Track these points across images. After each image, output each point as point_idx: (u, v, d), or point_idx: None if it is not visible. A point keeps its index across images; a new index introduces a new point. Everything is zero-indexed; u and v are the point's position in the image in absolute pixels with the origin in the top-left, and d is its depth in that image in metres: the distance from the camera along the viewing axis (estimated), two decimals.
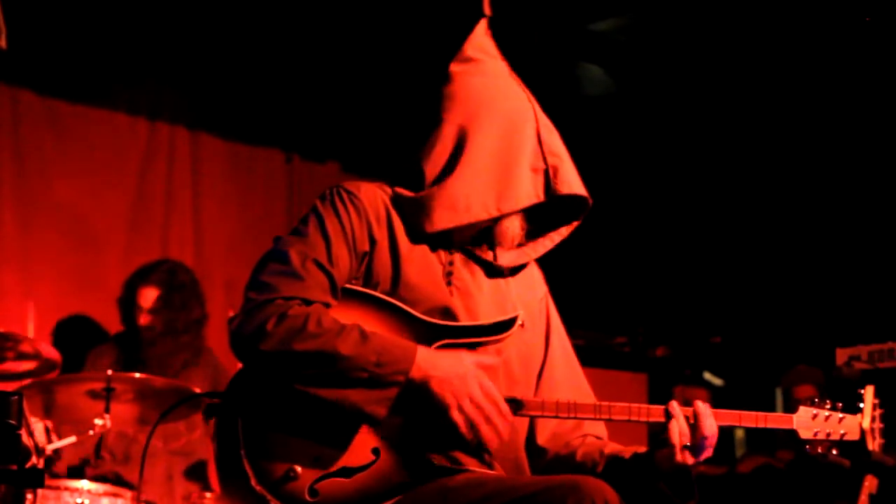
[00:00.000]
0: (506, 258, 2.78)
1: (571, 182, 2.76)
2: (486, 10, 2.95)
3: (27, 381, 4.53)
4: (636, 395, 7.61)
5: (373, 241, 2.66)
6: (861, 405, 2.75)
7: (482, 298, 2.71)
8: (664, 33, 6.27)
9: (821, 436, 2.70)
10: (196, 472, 5.33)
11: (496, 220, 2.73)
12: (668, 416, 2.60)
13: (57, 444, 4.39)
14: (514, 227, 2.77)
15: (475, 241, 2.76)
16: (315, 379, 2.47)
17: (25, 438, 3.87)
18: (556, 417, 2.66)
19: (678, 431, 2.58)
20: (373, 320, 2.58)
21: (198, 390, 4.71)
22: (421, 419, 2.51)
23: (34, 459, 4.06)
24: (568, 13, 6.08)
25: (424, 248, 2.70)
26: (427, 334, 2.59)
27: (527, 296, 2.83)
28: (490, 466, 2.61)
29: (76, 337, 5.81)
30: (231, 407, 2.57)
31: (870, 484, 4.96)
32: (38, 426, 4.28)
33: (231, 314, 3.04)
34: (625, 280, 7.63)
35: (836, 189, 7.00)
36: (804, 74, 6.31)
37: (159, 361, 5.21)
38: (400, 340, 2.54)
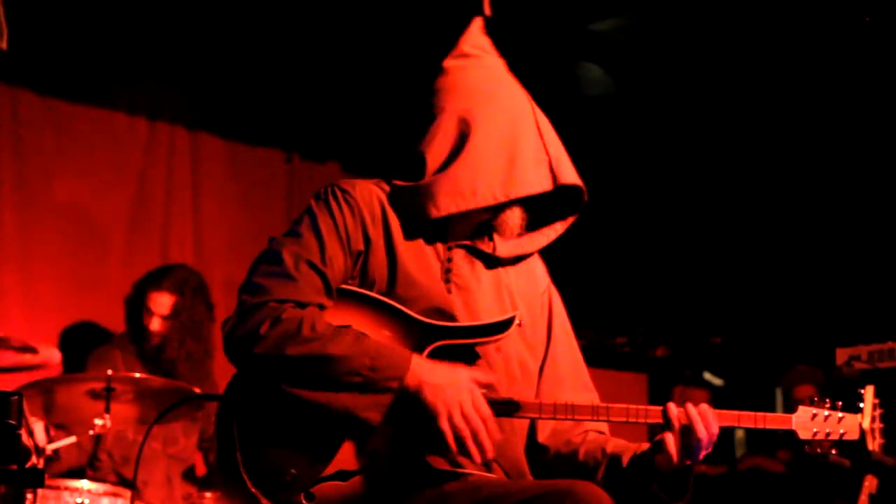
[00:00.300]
0: (505, 248, 2.76)
1: (572, 174, 2.75)
2: (487, 10, 2.95)
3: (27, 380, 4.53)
4: (636, 395, 7.63)
5: (368, 240, 2.63)
6: (861, 405, 2.74)
7: (481, 293, 2.69)
8: (664, 33, 6.26)
9: (820, 436, 2.68)
10: (195, 474, 5.33)
11: (498, 210, 2.71)
12: (666, 419, 2.56)
13: (57, 444, 4.39)
14: (514, 217, 2.74)
15: (474, 234, 2.74)
16: (308, 383, 2.46)
17: (25, 438, 3.87)
18: (554, 419, 2.65)
19: (673, 438, 2.54)
20: (369, 321, 2.57)
21: (198, 391, 4.72)
22: (413, 425, 2.49)
23: (34, 459, 4.06)
24: (568, 13, 6.08)
25: (421, 245, 2.67)
26: (424, 335, 2.57)
27: (527, 289, 2.81)
28: (489, 468, 2.60)
29: (76, 337, 5.81)
30: (228, 409, 2.56)
31: (870, 484, 4.96)
32: (37, 426, 4.28)
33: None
34: (625, 280, 7.63)
35: (835, 189, 7.00)
36: (804, 74, 6.31)
37: (166, 365, 5.22)
38: (395, 346, 2.52)
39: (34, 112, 5.93)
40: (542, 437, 2.76)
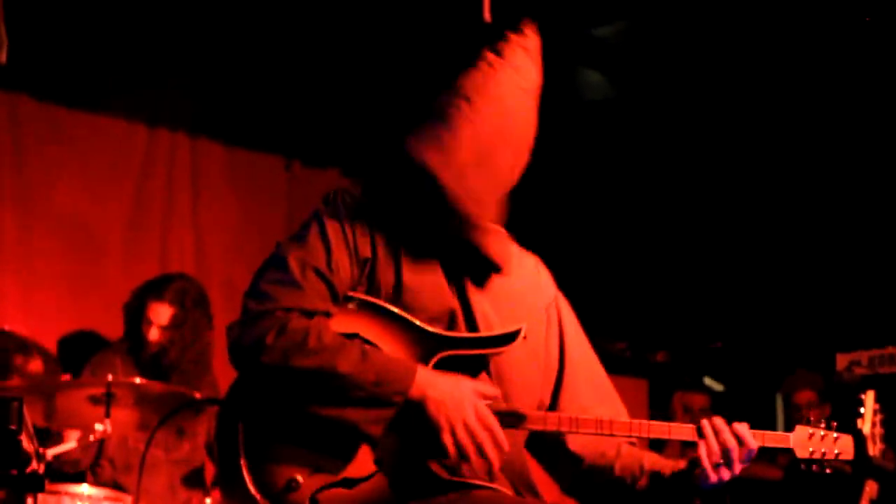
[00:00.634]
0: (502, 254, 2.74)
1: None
2: (487, 16, 2.94)
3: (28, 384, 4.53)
4: (636, 401, 7.61)
5: (375, 247, 2.61)
6: (861, 410, 2.75)
7: (487, 301, 2.68)
8: (664, 39, 6.26)
9: (816, 455, 2.73)
10: (196, 479, 5.33)
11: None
12: (700, 435, 2.60)
13: (57, 449, 4.38)
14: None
15: (478, 240, 2.70)
16: (313, 395, 2.46)
17: (26, 444, 3.87)
18: (559, 431, 2.65)
19: (706, 451, 2.58)
20: (376, 329, 2.56)
21: (198, 396, 4.71)
22: (417, 437, 2.49)
23: (34, 465, 4.06)
24: (568, 18, 6.08)
25: (428, 253, 2.65)
26: (430, 345, 2.56)
27: (532, 298, 2.80)
28: (492, 477, 2.58)
29: (75, 342, 5.80)
30: (231, 414, 2.55)
31: (870, 489, 4.95)
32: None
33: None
34: (625, 285, 7.62)
35: (835, 194, 7.00)
36: (804, 79, 6.31)
37: (163, 373, 5.21)
38: (400, 359, 2.51)
39: (33, 118, 5.93)
40: (575, 445, 2.75)
